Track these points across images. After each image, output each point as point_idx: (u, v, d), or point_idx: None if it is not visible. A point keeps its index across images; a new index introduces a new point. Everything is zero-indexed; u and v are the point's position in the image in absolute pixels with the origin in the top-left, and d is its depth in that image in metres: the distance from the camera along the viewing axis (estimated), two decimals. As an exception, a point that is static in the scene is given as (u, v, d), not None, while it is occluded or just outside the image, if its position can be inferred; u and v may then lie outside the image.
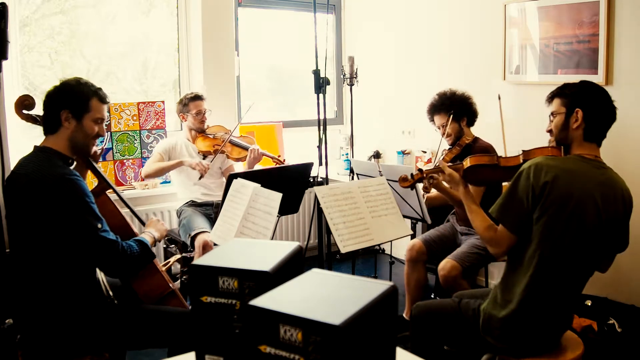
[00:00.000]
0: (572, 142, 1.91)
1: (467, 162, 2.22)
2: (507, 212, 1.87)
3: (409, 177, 2.42)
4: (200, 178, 3.37)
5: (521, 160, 2.05)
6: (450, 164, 2.31)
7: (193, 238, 3.06)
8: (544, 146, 2.13)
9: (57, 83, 1.97)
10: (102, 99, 1.99)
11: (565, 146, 1.95)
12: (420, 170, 2.40)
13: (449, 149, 2.98)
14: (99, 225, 1.84)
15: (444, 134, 3.01)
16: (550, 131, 2.00)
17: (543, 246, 1.81)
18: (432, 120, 3.12)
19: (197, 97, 3.52)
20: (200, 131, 3.54)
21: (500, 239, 1.90)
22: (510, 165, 2.11)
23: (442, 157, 2.92)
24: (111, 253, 1.86)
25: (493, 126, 3.24)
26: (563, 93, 1.94)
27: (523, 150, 2.09)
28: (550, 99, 2.00)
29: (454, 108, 2.97)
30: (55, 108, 1.91)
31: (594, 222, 1.80)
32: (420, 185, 2.62)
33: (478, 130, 3.10)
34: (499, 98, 3.22)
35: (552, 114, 1.98)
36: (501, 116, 3.19)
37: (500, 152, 2.92)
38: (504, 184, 2.74)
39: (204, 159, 3.48)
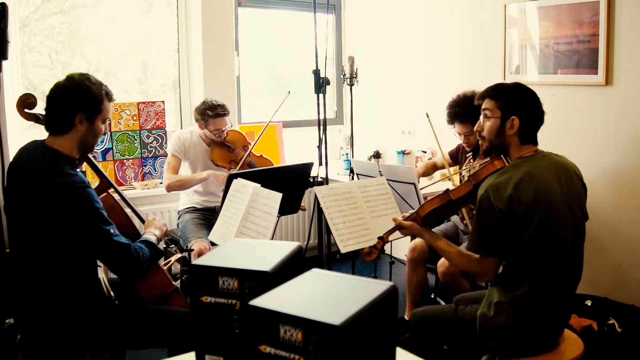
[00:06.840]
0: (510, 147, 1.94)
1: (422, 211, 2.11)
2: (484, 243, 1.87)
3: (372, 249, 2.19)
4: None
5: (472, 186, 2.00)
6: (408, 214, 2.16)
7: (191, 250, 3.01)
8: (485, 161, 2.09)
9: (63, 80, 1.90)
10: (111, 98, 1.99)
11: (503, 150, 1.96)
12: (380, 237, 2.20)
13: (474, 158, 2.81)
14: (111, 230, 1.87)
15: (466, 142, 2.92)
16: (479, 131, 1.98)
17: (537, 251, 1.82)
18: (451, 123, 2.96)
19: (218, 115, 3.18)
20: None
21: (485, 267, 1.89)
22: (463, 195, 2.05)
23: (469, 170, 2.75)
24: (125, 256, 1.89)
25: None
26: (499, 95, 1.94)
27: (469, 176, 2.05)
28: (483, 97, 1.98)
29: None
30: (70, 110, 1.86)
31: (564, 209, 1.85)
32: (421, 185, 2.58)
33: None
34: (427, 115, 2.95)
35: (484, 110, 1.96)
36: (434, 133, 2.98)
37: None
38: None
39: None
